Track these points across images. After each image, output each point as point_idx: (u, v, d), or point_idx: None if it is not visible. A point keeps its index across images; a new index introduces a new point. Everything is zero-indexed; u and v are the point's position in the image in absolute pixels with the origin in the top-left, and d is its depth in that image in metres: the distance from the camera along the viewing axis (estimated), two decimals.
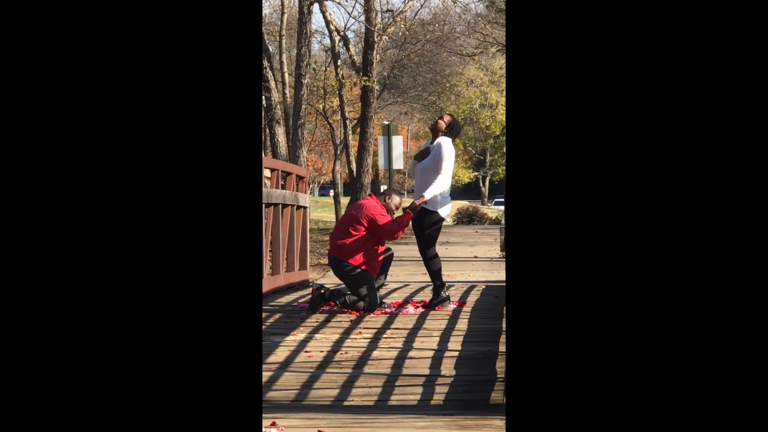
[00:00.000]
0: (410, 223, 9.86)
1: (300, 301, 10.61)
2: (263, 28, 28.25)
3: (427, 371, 6.57)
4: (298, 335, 8.18)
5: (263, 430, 4.75)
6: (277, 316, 9.48)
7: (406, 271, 14.17)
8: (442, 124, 9.93)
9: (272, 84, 25.12)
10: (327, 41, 30.13)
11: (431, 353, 7.24)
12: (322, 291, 9.64)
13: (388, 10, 26.22)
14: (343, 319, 9.14)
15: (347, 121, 27.71)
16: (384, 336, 8.12)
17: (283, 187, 12.31)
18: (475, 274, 14.37)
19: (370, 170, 26.07)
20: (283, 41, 27.68)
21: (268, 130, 25.47)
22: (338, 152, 31.62)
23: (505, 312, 7.78)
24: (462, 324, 8.84)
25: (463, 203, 44.62)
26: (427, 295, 10.63)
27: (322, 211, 41.62)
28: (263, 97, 24.23)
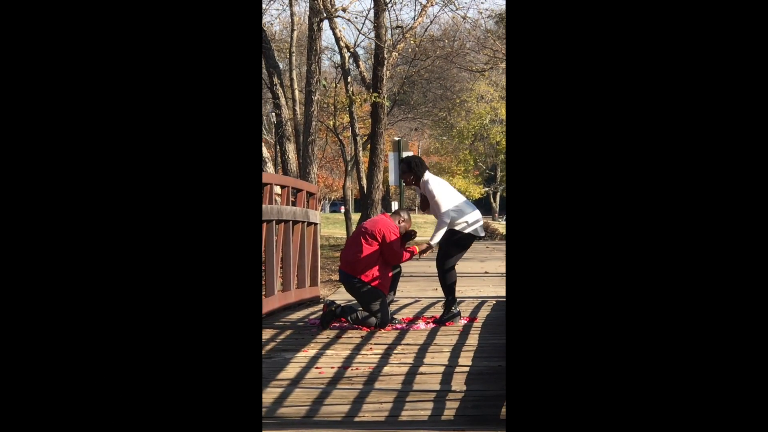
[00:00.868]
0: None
1: (311, 317, 10.62)
2: (273, 45, 28.31)
3: (437, 386, 6.57)
4: (309, 351, 8.19)
5: None
6: (288, 332, 9.49)
7: (417, 287, 14.17)
8: (409, 178, 9.98)
9: (282, 101, 25.16)
10: (337, 58, 30.21)
11: (442, 368, 7.24)
12: (333, 308, 9.64)
13: (397, 27, 26.27)
14: (354, 335, 9.15)
15: (357, 138, 27.74)
16: (395, 352, 8.12)
17: (294, 204, 12.33)
18: (486, 289, 14.37)
19: (381, 186, 26.07)
20: (293, 58, 27.74)
21: (278, 147, 25.50)
22: (349, 168, 31.64)
23: None
24: (473, 339, 8.84)
25: None
26: (437, 311, 10.63)
27: (333, 228, 41.64)
28: (274, 114, 24.28)
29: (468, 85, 46.45)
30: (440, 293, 10.33)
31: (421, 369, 7.25)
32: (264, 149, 21.98)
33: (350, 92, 25.81)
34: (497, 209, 66.72)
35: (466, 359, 7.66)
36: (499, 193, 65.65)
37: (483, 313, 10.84)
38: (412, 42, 27.87)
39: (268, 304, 10.56)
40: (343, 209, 37.88)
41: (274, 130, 24.38)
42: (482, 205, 68.76)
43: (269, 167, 22.92)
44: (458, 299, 10.17)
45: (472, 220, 9.88)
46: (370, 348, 8.33)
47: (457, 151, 55.51)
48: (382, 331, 9.43)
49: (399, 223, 9.87)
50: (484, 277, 16.72)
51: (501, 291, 13.87)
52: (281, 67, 28.47)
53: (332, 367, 7.33)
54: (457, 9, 26.41)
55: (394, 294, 10.13)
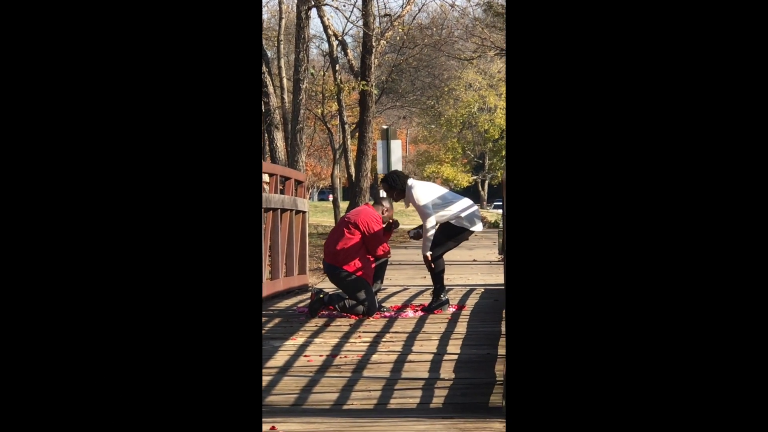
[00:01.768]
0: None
1: (299, 305, 10.62)
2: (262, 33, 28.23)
3: (426, 374, 6.58)
4: (298, 339, 8.19)
5: None
6: (277, 320, 9.49)
7: (405, 275, 14.18)
8: (393, 194, 10.00)
9: (270, 89, 25.13)
10: (325, 46, 30.16)
11: (430, 356, 7.25)
12: (321, 296, 9.65)
13: (386, 15, 26.25)
14: (343, 324, 9.15)
15: (346, 126, 27.73)
16: (383, 340, 8.13)
17: (282, 192, 12.32)
18: (474, 277, 14.39)
19: (369, 174, 26.08)
20: (281, 46, 27.70)
21: (266, 135, 25.47)
22: (337, 157, 31.64)
23: (504, 315, 7.79)
24: (461, 327, 8.86)
25: None
26: (426, 299, 10.64)
27: (321, 216, 41.64)
28: (262, 102, 24.24)
29: (456, 73, 46.43)
30: (429, 281, 10.35)
31: (410, 357, 7.26)
32: None
33: (338, 80, 25.79)
34: (485, 197, 66.77)
35: (454, 347, 7.67)
36: (487, 182, 65.69)
37: (471, 301, 10.86)
38: (400, 30, 27.84)
39: None
40: (331, 197, 37.87)
41: (262, 119, 24.32)
42: (470, 193, 68.77)
43: None
44: (447, 287, 10.19)
45: (460, 209, 9.87)
46: (359, 336, 8.34)
47: (445, 140, 55.54)
48: (371, 319, 9.44)
49: (383, 213, 9.87)
50: (472, 265, 16.74)
51: (489, 279, 13.89)
52: (269, 55, 28.43)
53: (321, 356, 7.33)
54: None
55: (382, 282, 10.14)
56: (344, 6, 25.23)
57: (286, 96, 27.99)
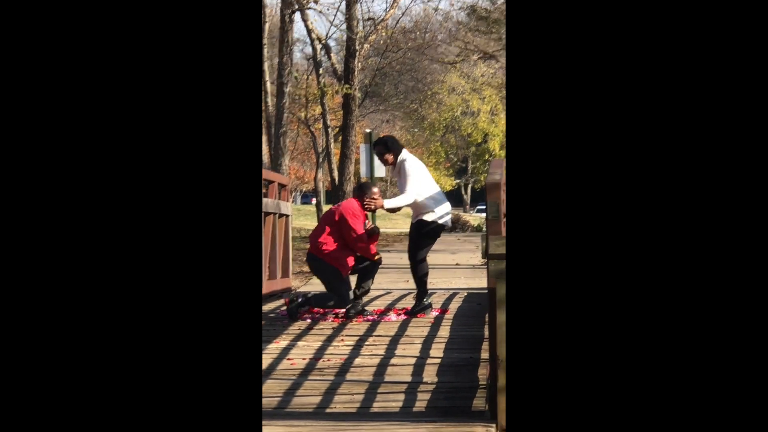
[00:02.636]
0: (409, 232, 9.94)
1: (282, 308, 10.62)
2: None
3: (409, 378, 6.58)
4: (281, 342, 8.19)
5: None
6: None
7: (388, 279, 14.17)
8: (390, 157, 9.93)
9: None
10: (309, 50, 30.15)
11: (413, 360, 7.25)
12: (294, 298, 9.80)
13: (369, 18, 26.25)
14: (326, 327, 9.15)
15: (329, 130, 27.71)
16: (366, 343, 8.13)
17: (265, 196, 12.32)
18: (457, 281, 14.39)
19: (353, 178, 26.06)
20: (265, 50, 27.67)
21: None
22: (320, 160, 31.58)
23: (487, 319, 7.80)
24: (444, 331, 8.86)
25: None
26: (409, 303, 10.64)
27: (305, 220, 41.59)
28: (262, 105, 24.23)
29: (439, 77, 46.44)
30: (412, 285, 10.34)
31: (393, 360, 7.26)
32: None
33: (322, 84, 25.78)
34: (468, 201, 66.78)
35: (437, 351, 7.67)
36: (470, 186, 65.71)
37: (454, 305, 10.86)
38: (383, 34, 27.85)
39: None
40: (314, 201, 37.79)
41: (262, 122, 24.30)
42: (453, 197, 68.80)
43: None
44: (429, 291, 10.18)
45: (444, 212, 9.87)
46: (342, 339, 8.34)
47: (428, 143, 55.50)
48: (354, 322, 9.44)
49: (372, 198, 9.83)
50: (455, 269, 16.74)
51: (472, 283, 13.90)
52: None
53: (304, 359, 7.33)
54: (428, 0, 26.43)
55: (372, 282, 10.12)
56: (328, 10, 25.28)
57: (269, 99, 27.97)
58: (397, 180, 9.91)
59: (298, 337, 8.49)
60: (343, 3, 24.69)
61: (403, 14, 30.68)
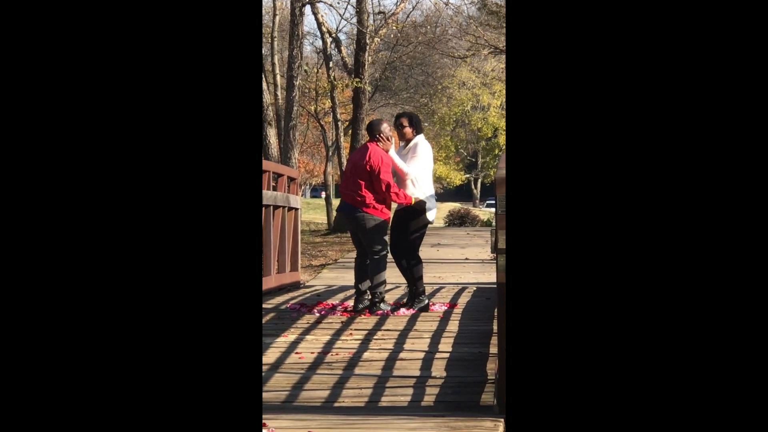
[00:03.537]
0: (391, 223, 9.86)
1: (291, 302, 10.61)
2: None
3: (417, 373, 6.57)
4: (289, 336, 8.19)
5: None
6: (269, 317, 9.48)
7: (397, 273, 14.16)
8: (409, 131, 9.86)
9: (264, 85, 25.09)
10: (319, 43, 30.14)
11: (422, 355, 7.24)
12: (364, 297, 9.70)
13: (380, 12, 26.24)
14: (334, 321, 9.15)
15: (339, 123, 27.71)
16: (375, 337, 8.12)
17: (275, 189, 12.31)
18: (466, 275, 14.38)
19: None
20: (275, 43, 27.66)
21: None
22: (330, 154, 31.60)
23: (496, 313, 7.78)
24: (453, 325, 8.85)
25: (454, 205, 44.59)
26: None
27: (314, 213, 41.63)
28: (262, 98, 24.22)
29: (450, 71, 46.41)
30: (425, 280, 10.29)
31: (401, 355, 7.25)
32: None
33: (332, 77, 25.78)
34: (478, 196, 66.77)
35: (446, 345, 7.67)
36: (480, 180, 65.71)
37: (463, 300, 10.85)
38: (394, 28, 27.84)
39: None
40: (323, 195, 37.82)
41: (262, 115, 24.30)
42: (463, 191, 68.87)
43: None
44: (438, 285, 10.15)
45: (434, 206, 9.86)
46: (350, 333, 8.33)
47: (438, 138, 55.47)
48: (362, 317, 9.43)
49: (387, 139, 9.76)
50: (464, 263, 16.72)
51: (481, 277, 13.88)
52: (263, 51, 28.37)
53: (312, 353, 7.33)
54: None
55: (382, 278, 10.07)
56: (338, 3, 25.22)
57: (279, 93, 27.96)
58: (407, 157, 9.81)
59: (307, 331, 8.49)
60: None
61: (413, 8, 30.65)
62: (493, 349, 7.17)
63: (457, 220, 35.58)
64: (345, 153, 26.82)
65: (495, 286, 5.81)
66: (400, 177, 9.65)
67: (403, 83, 42.39)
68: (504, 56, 33.59)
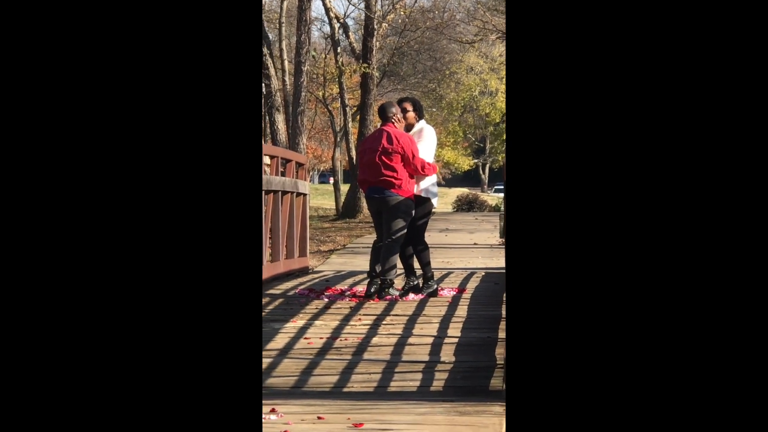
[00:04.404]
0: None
1: (300, 287, 10.62)
2: (263, 15, 28.22)
3: (426, 358, 6.57)
4: (298, 322, 8.19)
5: (263, 416, 4.76)
6: (277, 302, 9.49)
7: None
8: (412, 116, 9.84)
9: (272, 71, 25.09)
10: (327, 28, 30.13)
11: (431, 340, 7.24)
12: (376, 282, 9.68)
13: None
14: (343, 306, 9.15)
15: (347, 109, 27.73)
16: (384, 323, 8.12)
17: (283, 174, 12.31)
18: (475, 260, 14.39)
19: None
20: (283, 28, 27.67)
21: (267, 118, 25.45)
22: (338, 139, 31.62)
23: (504, 298, 7.78)
24: (461, 311, 8.85)
25: (462, 190, 44.62)
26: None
27: (322, 199, 41.66)
28: (263, 84, 24.22)
29: (458, 56, 46.38)
30: (434, 265, 10.29)
31: (410, 340, 7.26)
32: None
33: (340, 63, 25.78)
34: (486, 181, 66.79)
35: (455, 330, 7.67)
36: (488, 165, 65.71)
37: (472, 285, 10.85)
38: (402, 13, 27.82)
39: None
40: (332, 180, 37.84)
41: (263, 101, 24.30)
42: (471, 177, 68.88)
43: None
44: (447, 270, 10.16)
45: (437, 191, 9.88)
46: (359, 319, 8.34)
47: (446, 123, 55.47)
48: (371, 302, 9.43)
49: (401, 120, 9.74)
50: (473, 248, 16.73)
51: (490, 263, 13.89)
52: (271, 37, 28.37)
53: (321, 338, 7.33)
54: None
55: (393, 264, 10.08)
56: None
57: (287, 78, 27.97)
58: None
59: (316, 317, 8.49)
60: None
61: None
62: (502, 334, 7.17)
63: (465, 206, 35.61)
64: (353, 138, 26.81)
65: (504, 271, 5.81)
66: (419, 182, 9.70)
67: (410, 68, 42.37)
68: None
